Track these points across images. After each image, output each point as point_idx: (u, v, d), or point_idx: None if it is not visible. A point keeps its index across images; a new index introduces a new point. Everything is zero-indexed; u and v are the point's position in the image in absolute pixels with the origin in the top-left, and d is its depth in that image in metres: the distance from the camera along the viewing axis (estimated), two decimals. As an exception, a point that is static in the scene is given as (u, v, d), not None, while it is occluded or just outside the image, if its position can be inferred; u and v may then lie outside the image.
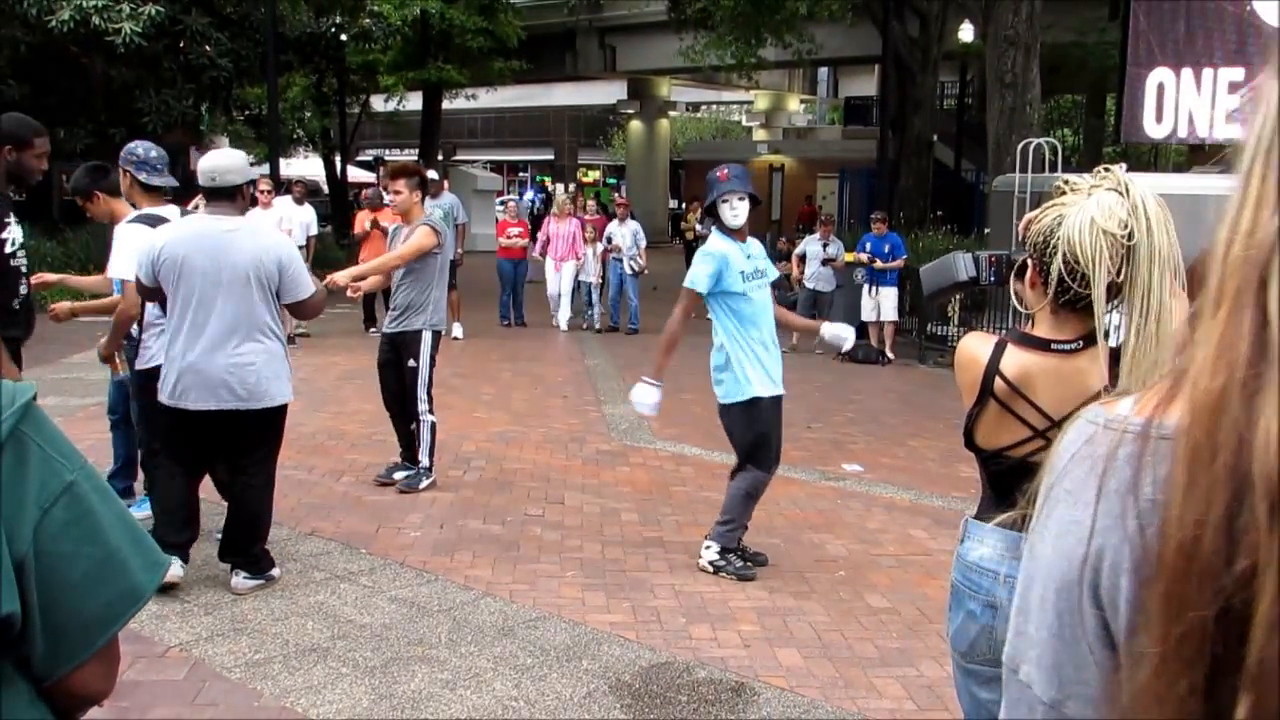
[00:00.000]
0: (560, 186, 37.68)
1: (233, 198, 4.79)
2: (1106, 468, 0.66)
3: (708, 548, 5.39)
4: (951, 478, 7.37)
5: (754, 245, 5.40)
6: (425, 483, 6.66)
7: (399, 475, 6.73)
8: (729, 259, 5.17)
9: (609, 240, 14.34)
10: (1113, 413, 0.70)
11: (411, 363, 6.53)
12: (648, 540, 5.90)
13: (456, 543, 5.75)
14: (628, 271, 14.30)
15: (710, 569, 5.34)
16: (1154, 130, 12.47)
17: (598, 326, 14.54)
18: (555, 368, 11.86)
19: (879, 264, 12.64)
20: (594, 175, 50.90)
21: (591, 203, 18.57)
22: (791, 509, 6.47)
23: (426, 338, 6.52)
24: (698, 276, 5.20)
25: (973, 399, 2.32)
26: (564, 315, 14.67)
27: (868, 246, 12.84)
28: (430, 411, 6.63)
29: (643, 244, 14.75)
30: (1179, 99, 12.03)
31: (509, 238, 14.59)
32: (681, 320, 5.25)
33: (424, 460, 6.67)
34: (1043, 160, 12.37)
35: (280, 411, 4.93)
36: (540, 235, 14.77)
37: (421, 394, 6.57)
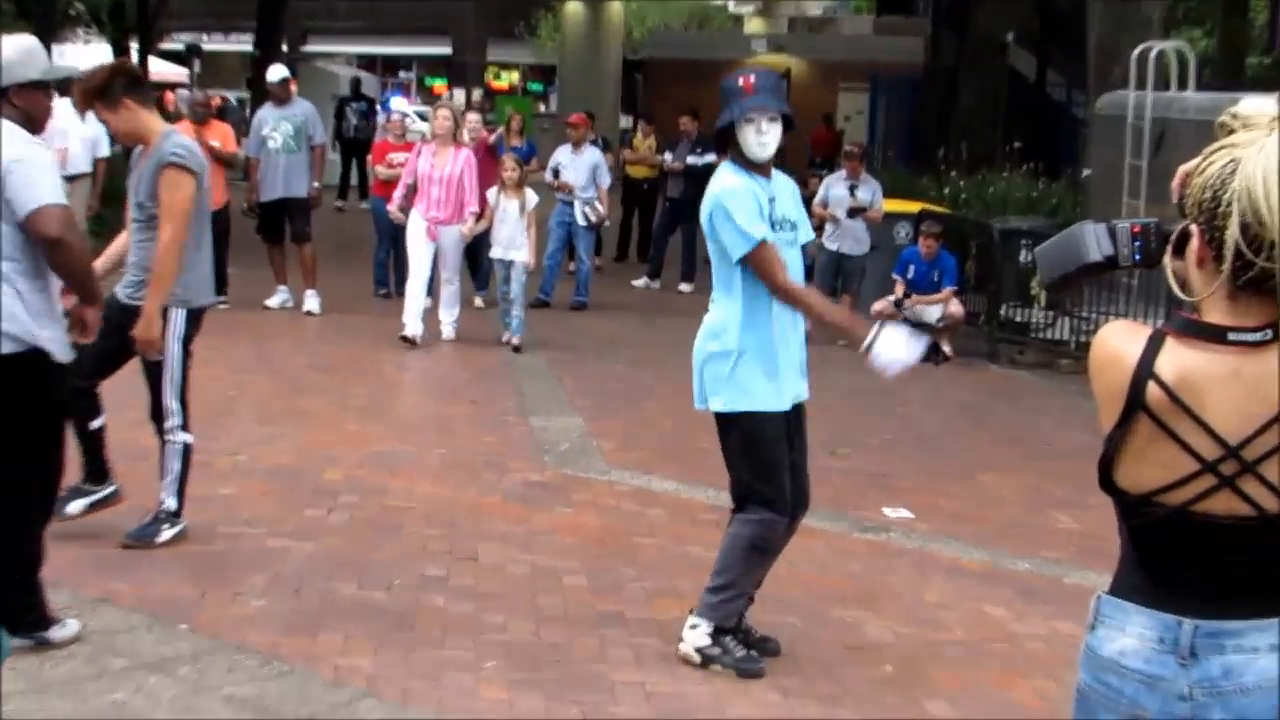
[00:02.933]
0: (459, 95, 37.36)
1: None
2: None
3: (693, 628, 5.36)
4: (1043, 529, 7.43)
5: (781, 183, 5.44)
6: (168, 533, 6.42)
7: (74, 507, 6.40)
8: (756, 197, 5.20)
9: (555, 174, 14.08)
10: None
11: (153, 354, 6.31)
12: (603, 616, 5.88)
13: (320, 616, 5.69)
14: (580, 221, 14.23)
15: (697, 659, 5.32)
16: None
17: (516, 342, 12.17)
18: (459, 359, 11.81)
19: (920, 301, 12.69)
20: (510, 78, 50.74)
21: (474, 116, 14.72)
22: (811, 572, 6.47)
23: (175, 318, 6.26)
24: (748, 228, 5.12)
25: (1115, 415, 2.31)
26: (417, 316, 11.83)
27: (910, 270, 12.76)
28: (184, 428, 6.40)
29: (605, 183, 14.67)
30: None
31: (390, 166, 14.15)
32: (784, 275, 5.20)
33: (169, 501, 6.41)
34: (1166, 73, 12.53)
35: None
36: (404, 176, 12.51)
37: (171, 401, 6.35)
